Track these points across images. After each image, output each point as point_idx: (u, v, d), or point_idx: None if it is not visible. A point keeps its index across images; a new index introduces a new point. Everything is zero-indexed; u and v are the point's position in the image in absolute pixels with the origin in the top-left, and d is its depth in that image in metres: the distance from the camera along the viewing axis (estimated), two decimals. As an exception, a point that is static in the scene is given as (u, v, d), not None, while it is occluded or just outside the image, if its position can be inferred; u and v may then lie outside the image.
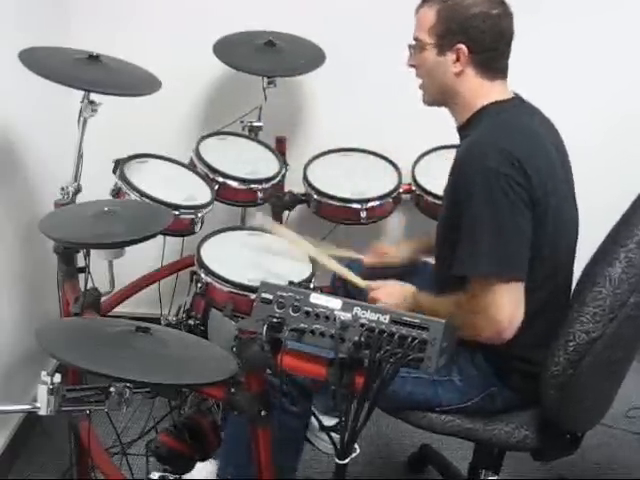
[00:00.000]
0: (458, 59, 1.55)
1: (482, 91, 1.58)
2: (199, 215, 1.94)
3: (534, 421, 1.60)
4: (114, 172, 1.93)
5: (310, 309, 1.23)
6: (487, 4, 1.53)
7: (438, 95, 1.63)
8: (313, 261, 1.89)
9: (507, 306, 1.46)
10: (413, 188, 2.33)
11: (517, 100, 1.62)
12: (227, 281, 1.76)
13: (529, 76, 2.29)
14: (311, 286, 1.80)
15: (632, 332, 1.49)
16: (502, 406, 1.61)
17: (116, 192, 1.90)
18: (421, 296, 1.63)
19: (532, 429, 1.59)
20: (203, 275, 1.79)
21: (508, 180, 1.44)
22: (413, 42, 1.61)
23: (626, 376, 1.64)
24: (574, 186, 1.65)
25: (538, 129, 1.59)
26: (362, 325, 1.19)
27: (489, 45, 1.55)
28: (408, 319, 1.17)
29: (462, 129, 1.63)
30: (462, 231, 1.49)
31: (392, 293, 1.67)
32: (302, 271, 1.83)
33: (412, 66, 1.65)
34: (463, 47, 1.53)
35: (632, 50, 2.41)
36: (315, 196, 2.21)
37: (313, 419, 2.01)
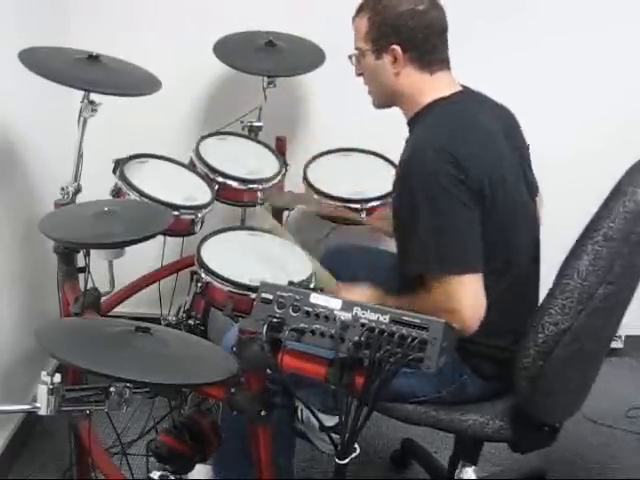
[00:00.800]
0: (395, 60, 1.59)
1: (426, 86, 1.61)
2: (199, 215, 1.94)
3: (508, 412, 1.61)
4: (114, 172, 1.92)
5: (310, 309, 1.23)
6: (413, 1, 1.58)
7: (384, 97, 1.69)
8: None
9: (465, 299, 1.47)
10: (413, 188, 2.33)
11: (463, 93, 1.64)
12: (227, 281, 1.75)
13: (526, 86, 2.31)
14: (311, 286, 1.80)
15: (601, 324, 1.51)
16: (475, 395, 1.63)
17: (116, 192, 1.90)
18: (383, 299, 1.61)
19: (507, 420, 1.60)
20: (203, 275, 1.79)
21: (447, 178, 1.47)
22: (354, 52, 1.67)
23: (626, 376, 1.65)
24: (530, 173, 1.67)
25: (483, 120, 1.61)
26: (362, 325, 1.19)
27: (421, 40, 1.58)
28: (408, 319, 1.17)
29: (410, 123, 1.67)
30: (408, 231, 1.53)
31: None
32: (302, 271, 1.83)
33: (360, 75, 1.70)
34: (397, 47, 1.58)
35: (628, 60, 2.43)
36: (315, 196, 2.21)
37: (313, 419, 2.01)
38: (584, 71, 2.43)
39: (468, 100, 1.64)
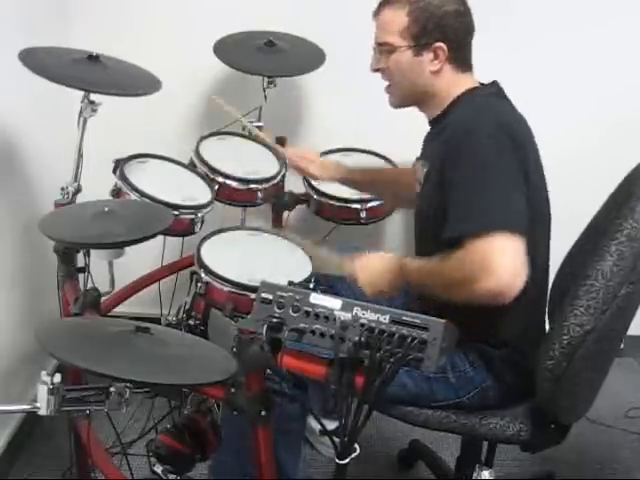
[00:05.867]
0: (436, 57, 1.57)
1: (458, 84, 1.60)
2: (199, 215, 1.94)
3: (527, 413, 1.61)
4: (114, 172, 1.92)
5: (310, 309, 1.23)
6: (453, 2, 1.56)
7: (411, 95, 1.64)
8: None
9: (504, 259, 1.34)
10: (413, 188, 2.33)
11: (491, 86, 1.63)
12: (227, 281, 1.75)
13: (522, 83, 2.31)
14: (311, 286, 1.80)
15: (621, 323, 1.52)
16: (496, 400, 1.62)
17: (116, 192, 1.90)
18: (407, 262, 1.54)
19: (526, 421, 1.61)
20: (203, 275, 1.79)
21: (504, 146, 1.43)
22: (379, 46, 1.62)
23: (626, 376, 1.65)
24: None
25: (520, 114, 1.59)
26: (362, 325, 1.19)
27: (463, 41, 1.58)
28: (408, 319, 1.17)
29: (437, 120, 1.63)
30: (454, 193, 1.44)
31: (368, 267, 1.58)
32: (302, 271, 1.83)
33: (377, 70, 1.65)
34: (442, 45, 1.55)
35: (625, 56, 2.43)
36: (315, 196, 2.21)
37: (313, 423, 2.01)
38: (582, 67, 2.43)
39: (498, 95, 1.62)
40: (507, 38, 2.36)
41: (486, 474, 1.76)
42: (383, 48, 1.61)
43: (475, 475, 1.76)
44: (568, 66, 2.42)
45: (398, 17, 1.57)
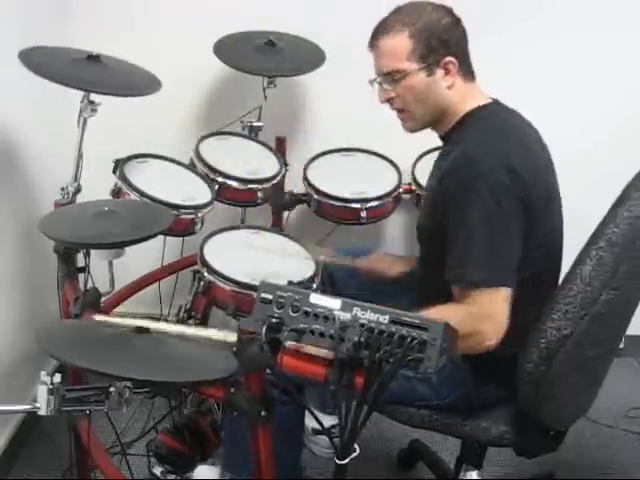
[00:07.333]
0: (447, 72, 1.56)
1: (469, 94, 1.60)
2: (199, 215, 1.94)
3: (512, 417, 1.61)
4: (114, 172, 1.93)
5: (309, 309, 1.23)
6: (447, 15, 1.56)
7: (430, 117, 1.61)
8: None
9: (505, 312, 1.45)
10: (413, 188, 2.34)
11: (499, 104, 1.62)
12: (230, 279, 1.75)
13: (523, 86, 2.32)
14: (313, 286, 1.80)
15: (605, 330, 1.50)
16: (480, 402, 1.63)
17: (116, 192, 1.90)
18: None
19: (510, 425, 1.60)
20: (206, 273, 1.79)
21: (501, 187, 1.44)
22: (385, 75, 1.59)
23: (626, 376, 1.65)
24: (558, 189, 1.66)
25: (529, 133, 1.60)
26: (362, 325, 1.19)
27: (465, 49, 1.58)
28: (408, 319, 1.17)
29: (446, 136, 1.63)
30: (455, 239, 1.48)
31: None
32: (304, 271, 1.83)
33: (388, 100, 1.62)
34: (451, 59, 1.54)
35: (625, 60, 2.43)
36: (315, 196, 2.21)
37: (307, 420, 2.01)
38: (591, 70, 2.43)
39: (508, 111, 1.61)
40: (514, 41, 2.37)
41: (473, 474, 1.76)
42: (391, 77, 1.58)
43: (461, 475, 1.77)
44: (570, 70, 2.42)
45: (400, 42, 1.54)
